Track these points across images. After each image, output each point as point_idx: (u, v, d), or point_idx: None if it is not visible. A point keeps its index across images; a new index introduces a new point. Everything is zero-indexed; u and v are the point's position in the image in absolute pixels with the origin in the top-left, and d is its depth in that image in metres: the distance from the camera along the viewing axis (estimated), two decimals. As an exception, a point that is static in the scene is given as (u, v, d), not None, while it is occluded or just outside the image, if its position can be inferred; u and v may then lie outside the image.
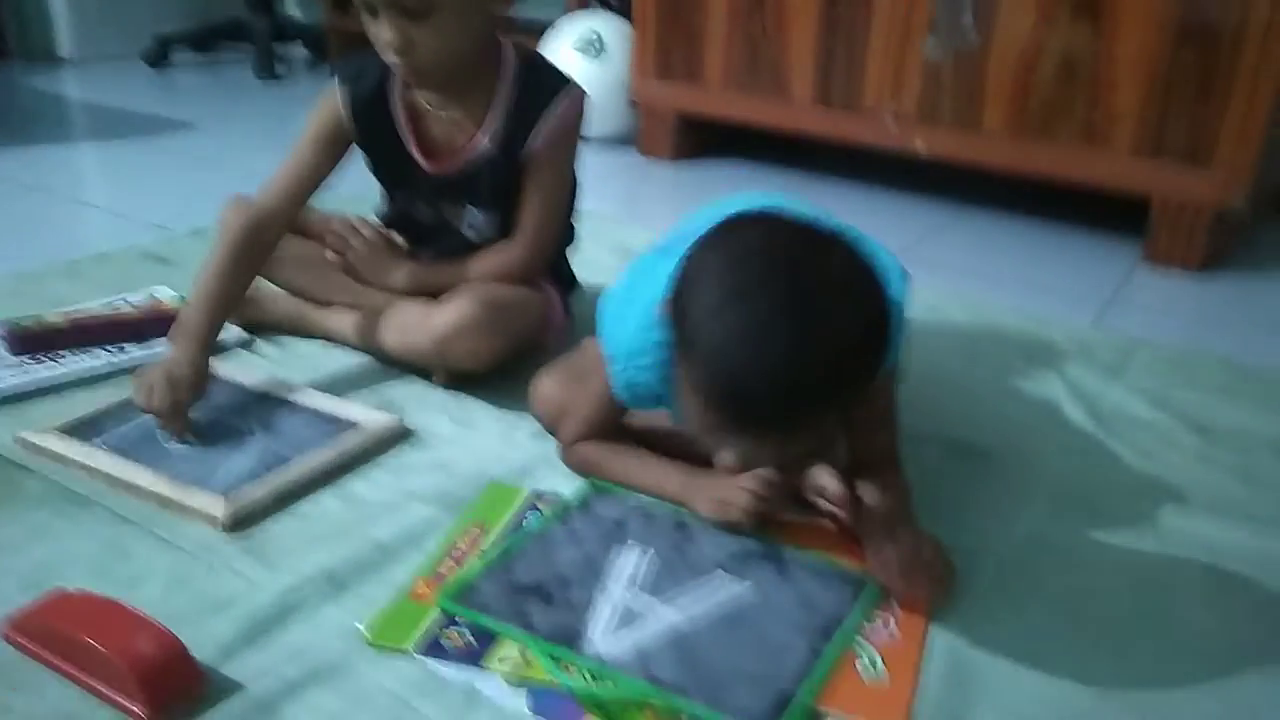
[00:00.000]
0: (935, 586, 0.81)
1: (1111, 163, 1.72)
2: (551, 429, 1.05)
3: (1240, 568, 0.90)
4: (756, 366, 0.71)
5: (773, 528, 0.90)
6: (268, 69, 3.02)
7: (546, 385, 1.05)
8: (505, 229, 1.19)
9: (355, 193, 1.28)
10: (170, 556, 0.84)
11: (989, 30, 1.77)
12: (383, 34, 1.04)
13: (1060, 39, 1.70)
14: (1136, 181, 1.72)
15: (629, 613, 0.79)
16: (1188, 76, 1.61)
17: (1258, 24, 1.53)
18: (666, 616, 0.79)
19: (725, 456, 0.80)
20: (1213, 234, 1.68)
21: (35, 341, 1.16)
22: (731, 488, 0.89)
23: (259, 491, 0.91)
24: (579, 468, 1.00)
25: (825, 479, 0.88)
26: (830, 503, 0.87)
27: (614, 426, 0.99)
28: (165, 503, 0.90)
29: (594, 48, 2.28)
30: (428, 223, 1.21)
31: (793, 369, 0.70)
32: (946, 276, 1.59)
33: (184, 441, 1.00)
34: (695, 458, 0.93)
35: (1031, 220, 1.95)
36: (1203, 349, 1.37)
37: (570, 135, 1.16)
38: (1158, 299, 1.60)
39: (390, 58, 1.06)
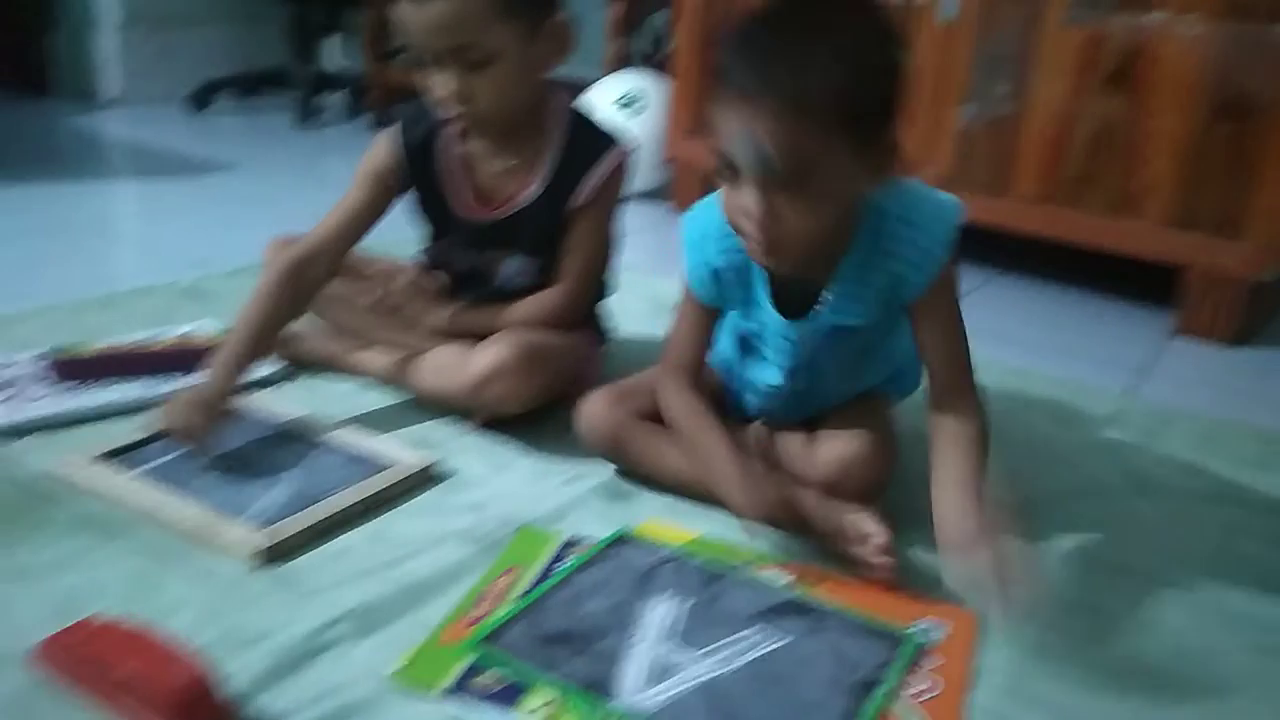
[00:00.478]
0: (1010, 605, 0.78)
1: (1143, 233, 1.72)
2: (598, 449, 1.06)
3: (1283, 642, 0.88)
4: (765, 28, 0.83)
5: (808, 582, 0.90)
6: (309, 116, 3.08)
7: (595, 404, 1.06)
8: (545, 278, 1.20)
9: (400, 236, 1.30)
10: (203, 588, 0.84)
11: (1023, 99, 1.79)
12: (445, 85, 1.07)
13: (1094, 109, 1.72)
14: (1168, 252, 1.72)
15: (662, 666, 0.78)
16: (1221, 150, 1.62)
17: (1294, 99, 1.54)
18: (700, 671, 0.78)
19: (737, 158, 0.83)
20: (1245, 306, 1.68)
21: (77, 369, 1.18)
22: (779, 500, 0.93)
23: (294, 526, 0.91)
24: (665, 410, 1.02)
25: (870, 525, 0.89)
26: (880, 551, 0.88)
27: (704, 342, 1.03)
28: (199, 534, 0.90)
29: (633, 105, 2.32)
30: (469, 269, 1.23)
31: (798, 31, 0.81)
32: (978, 341, 1.58)
33: (210, 465, 1.01)
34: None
35: (1063, 286, 1.95)
36: (1237, 420, 1.36)
37: (615, 189, 1.18)
38: (1191, 369, 1.60)
39: (451, 107, 1.09)
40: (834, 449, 0.98)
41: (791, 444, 1.04)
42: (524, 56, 1.08)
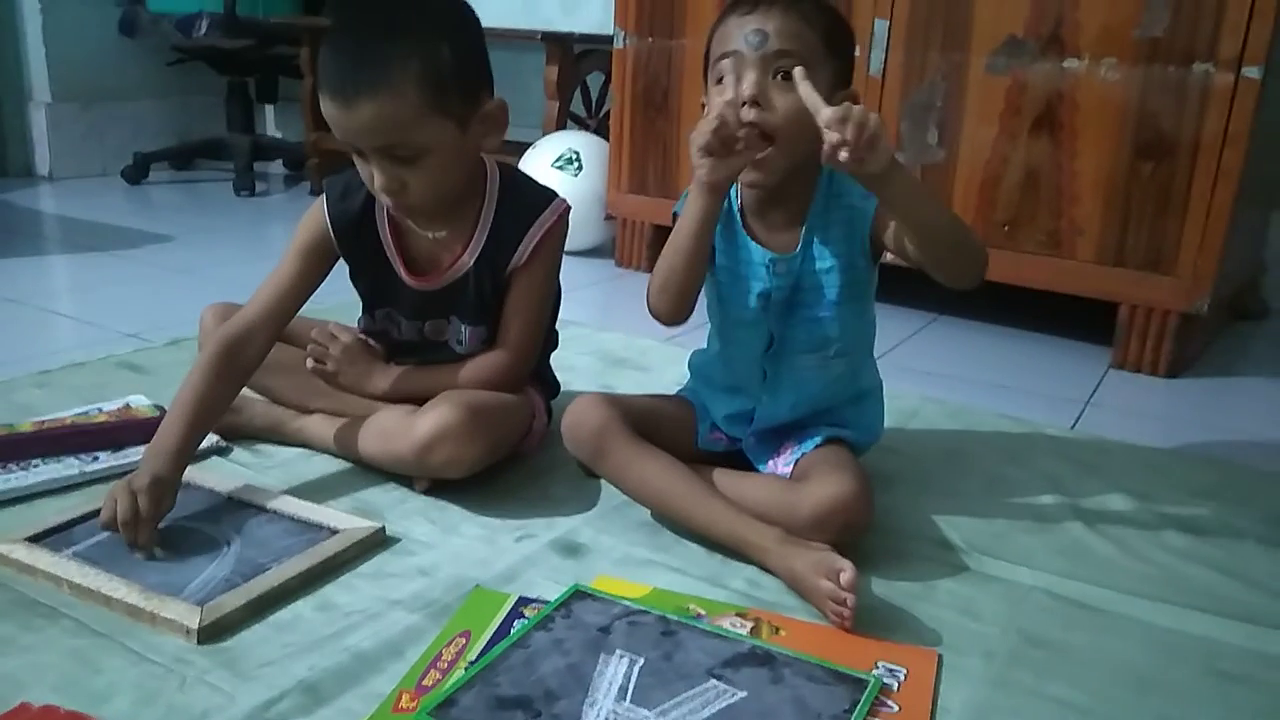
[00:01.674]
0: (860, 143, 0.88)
1: (1076, 271, 1.77)
2: (581, 449, 1.09)
3: (1237, 667, 0.89)
4: None
5: (766, 629, 0.89)
6: (247, 185, 3.06)
7: (583, 402, 1.09)
8: (491, 341, 1.19)
9: (341, 302, 1.29)
10: (141, 669, 0.80)
11: (953, 146, 1.84)
12: (374, 176, 1.05)
13: (1021, 154, 1.77)
14: (1101, 289, 1.76)
15: (620, 724, 0.76)
16: (1146, 188, 1.68)
17: (1212, 135, 1.60)
18: (659, 726, 0.76)
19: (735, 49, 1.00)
20: (1178, 339, 1.72)
21: (4, 450, 1.14)
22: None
23: (234, 601, 0.88)
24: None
25: (840, 561, 0.90)
26: (843, 589, 0.88)
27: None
28: (137, 613, 0.87)
29: (572, 165, 2.34)
30: (409, 340, 1.22)
31: None
32: (925, 381, 1.61)
33: (150, 557, 0.96)
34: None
35: (1003, 326, 1.99)
36: (1177, 450, 1.39)
37: (553, 248, 1.18)
38: (1129, 402, 1.63)
39: (381, 197, 1.07)
40: (827, 487, 0.99)
41: (767, 487, 1.06)
42: (456, 146, 1.06)
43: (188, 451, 1.04)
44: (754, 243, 1.09)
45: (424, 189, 1.06)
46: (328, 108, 1.02)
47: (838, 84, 1.04)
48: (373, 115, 1.00)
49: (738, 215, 1.11)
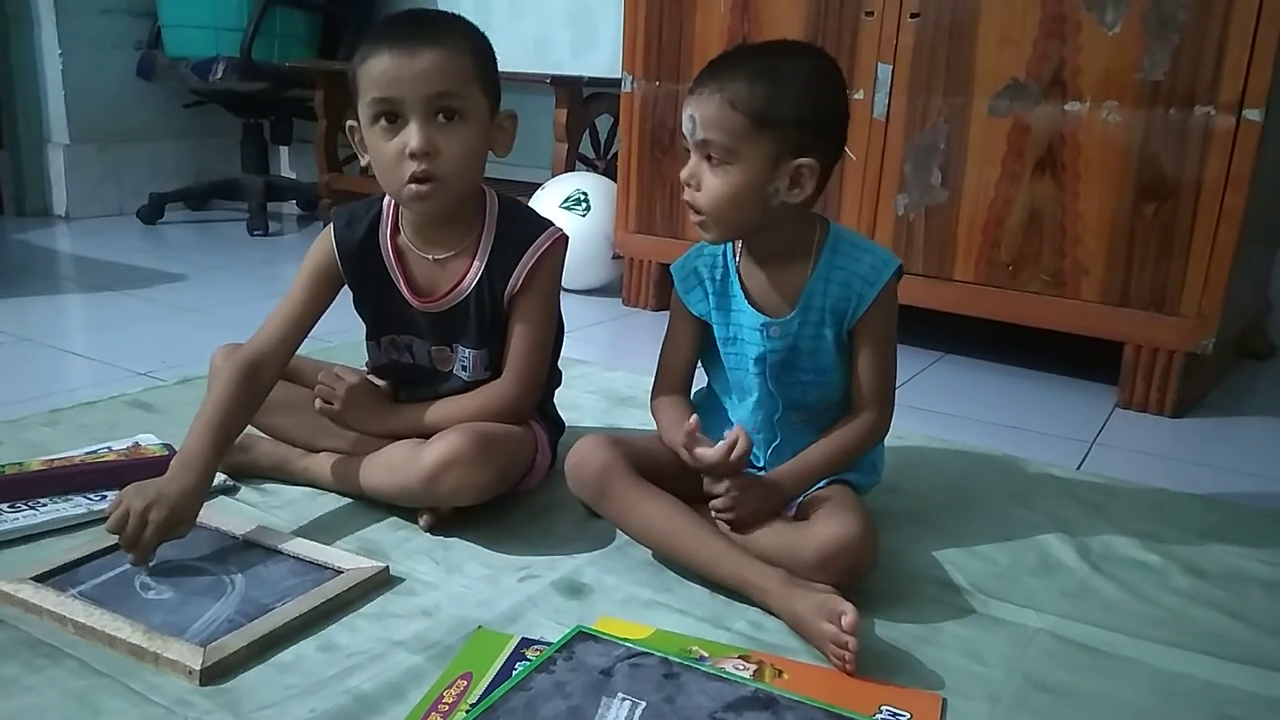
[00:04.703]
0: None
1: (1080, 311, 1.77)
2: (584, 490, 1.10)
3: (1244, 712, 0.88)
4: (728, 54, 1.07)
5: (769, 672, 0.88)
6: (261, 225, 3.10)
7: (588, 442, 1.10)
8: (495, 369, 1.20)
9: (349, 341, 1.30)
10: (142, 711, 0.80)
11: (956, 187, 1.85)
12: (410, 139, 1.07)
13: (1024, 195, 1.79)
14: (1105, 329, 1.77)
15: (621, 766, 0.76)
16: (1150, 229, 1.69)
17: (1214, 177, 1.61)
18: (660, 769, 0.76)
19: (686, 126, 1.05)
20: (1184, 379, 1.72)
21: (13, 488, 1.15)
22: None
23: (237, 642, 0.88)
24: (658, 422, 1.16)
25: (843, 604, 0.90)
26: (845, 632, 0.88)
27: (691, 359, 1.19)
28: (140, 653, 0.87)
29: (580, 205, 2.36)
30: (415, 370, 1.23)
31: (745, 55, 1.06)
32: (930, 421, 1.61)
33: (145, 574, 0.99)
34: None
35: (1008, 365, 1.99)
36: (1186, 490, 1.38)
37: (551, 274, 1.20)
38: (1138, 442, 1.63)
39: (407, 167, 1.08)
40: (831, 528, 1.00)
41: (771, 528, 1.05)
42: (484, 130, 1.13)
43: (214, 470, 1.08)
44: (749, 306, 1.11)
45: (455, 157, 1.10)
46: (382, 61, 1.07)
47: (784, 155, 1.02)
48: (433, 62, 1.06)
49: (735, 277, 1.13)
